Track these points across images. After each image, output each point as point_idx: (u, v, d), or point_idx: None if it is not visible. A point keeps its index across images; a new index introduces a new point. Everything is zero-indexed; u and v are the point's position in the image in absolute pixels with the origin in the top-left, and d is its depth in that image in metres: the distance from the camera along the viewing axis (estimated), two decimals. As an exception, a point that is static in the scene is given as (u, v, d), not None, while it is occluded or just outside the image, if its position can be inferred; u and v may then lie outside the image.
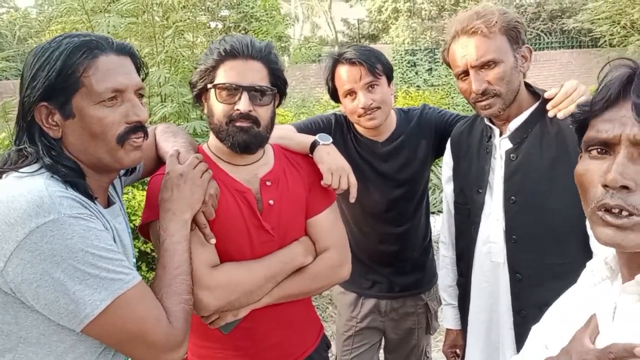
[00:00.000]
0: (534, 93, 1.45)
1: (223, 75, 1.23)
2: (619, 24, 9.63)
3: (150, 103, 3.17)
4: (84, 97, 0.98)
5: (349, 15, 18.13)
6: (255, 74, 1.24)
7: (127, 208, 1.39)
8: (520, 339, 1.40)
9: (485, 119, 1.50)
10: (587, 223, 0.76)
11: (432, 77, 11.49)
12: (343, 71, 1.69)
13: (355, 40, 16.97)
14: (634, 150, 0.68)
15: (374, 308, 1.91)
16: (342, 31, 18.12)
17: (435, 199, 4.99)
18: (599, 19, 9.91)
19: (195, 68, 1.30)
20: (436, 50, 11.95)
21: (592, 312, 0.79)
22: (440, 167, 5.10)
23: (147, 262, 2.76)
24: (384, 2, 15.80)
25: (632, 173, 0.68)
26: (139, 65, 1.08)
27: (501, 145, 1.45)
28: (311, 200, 1.38)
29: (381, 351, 2.06)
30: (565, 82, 1.41)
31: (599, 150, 0.72)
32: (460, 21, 1.38)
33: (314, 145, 1.42)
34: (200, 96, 1.30)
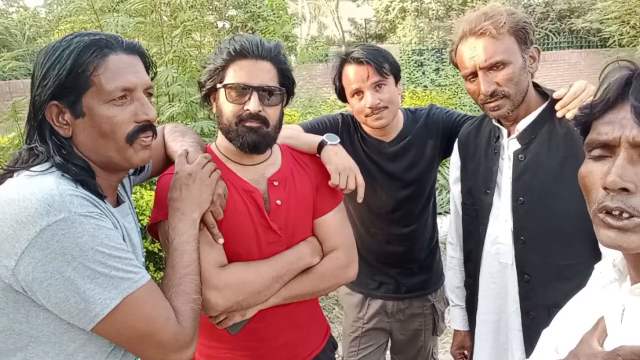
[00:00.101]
0: (543, 93, 1.44)
1: (233, 75, 1.24)
2: (628, 23, 9.55)
3: (158, 103, 3.19)
4: (94, 96, 0.98)
5: (356, 14, 18.12)
6: (265, 74, 1.24)
7: (135, 207, 1.40)
8: (528, 340, 1.40)
9: (494, 120, 1.49)
10: None
11: (440, 77, 11.45)
12: (350, 71, 1.68)
13: (362, 40, 16.96)
14: (634, 152, 0.68)
15: (381, 309, 1.91)
16: (349, 31, 18.11)
17: (442, 199, 4.98)
18: (608, 18, 9.84)
19: (204, 67, 1.30)
20: (443, 50, 11.90)
21: (600, 314, 0.79)
22: (447, 167, 5.07)
23: (155, 261, 2.77)
24: (391, 1, 15.77)
25: (632, 175, 0.68)
26: (148, 65, 1.09)
27: (509, 145, 1.45)
28: (318, 200, 1.38)
29: (388, 352, 2.06)
30: (573, 82, 1.40)
31: (600, 152, 0.72)
32: (468, 22, 1.37)
33: (321, 145, 1.42)
34: (208, 96, 1.31)
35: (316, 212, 1.38)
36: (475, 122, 1.63)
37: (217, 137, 1.38)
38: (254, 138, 1.24)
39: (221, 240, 1.19)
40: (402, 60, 11.56)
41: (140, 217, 2.48)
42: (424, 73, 11.74)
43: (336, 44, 16.88)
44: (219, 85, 1.26)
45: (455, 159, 1.67)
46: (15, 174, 0.97)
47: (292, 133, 1.50)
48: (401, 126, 1.81)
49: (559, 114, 1.36)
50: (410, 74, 11.57)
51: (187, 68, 3.56)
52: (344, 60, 1.71)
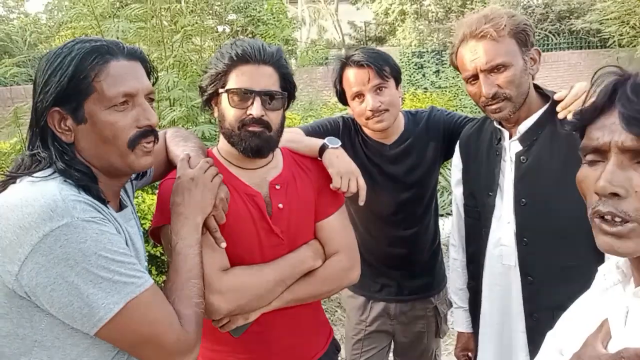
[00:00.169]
0: (544, 95, 1.45)
1: (235, 80, 1.24)
2: (628, 24, 9.56)
3: (159, 107, 3.19)
4: (96, 102, 0.98)
5: (356, 17, 18.15)
6: (267, 79, 1.24)
7: (137, 212, 1.40)
8: (532, 342, 1.39)
9: (495, 122, 1.49)
10: None
11: (440, 79, 11.46)
12: (351, 74, 1.69)
13: (362, 42, 17.00)
14: (624, 157, 0.68)
15: (383, 311, 1.91)
16: (348, 34, 18.15)
17: (443, 201, 4.98)
18: (607, 19, 9.85)
19: (205, 72, 1.31)
20: (443, 52, 11.92)
21: (604, 316, 0.79)
22: (449, 169, 5.06)
23: (157, 265, 2.77)
24: (390, 4, 15.81)
25: (622, 180, 0.68)
26: (150, 70, 1.09)
27: (511, 147, 1.45)
28: (320, 203, 1.38)
29: (390, 355, 2.05)
30: (574, 83, 1.40)
31: (593, 157, 0.73)
32: (469, 25, 1.37)
33: (323, 149, 1.42)
34: (210, 100, 1.31)
35: (318, 215, 1.38)
36: (477, 124, 1.63)
37: (218, 141, 1.39)
38: (257, 142, 1.24)
39: (224, 244, 1.19)
40: (402, 62, 11.58)
41: (142, 221, 2.48)
42: (424, 75, 11.76)
43: (336, 47, 16.92)
44: (221, 90, 1.26)
45: (457, 161, 1.67)
46: (17, 180, 0.97)
47: (293, 137, 1.51)
48: (402, 129, 1.81)
49: (560, 116, 1.36)
50: (410, 76, 11.59)
51: (188, 72, 3.56)
52: (345, 63, 1.71)
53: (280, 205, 1.31)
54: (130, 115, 1.01)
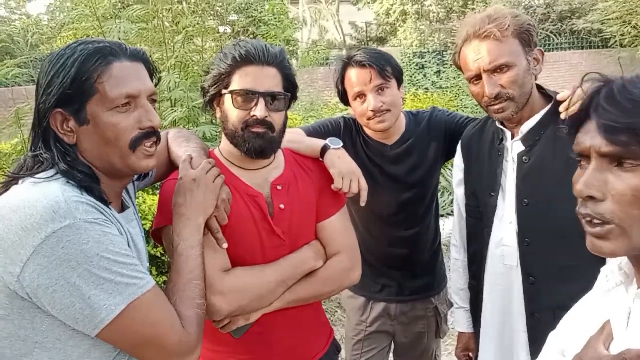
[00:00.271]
0: (546, 95, 1.45)
1: (239, 81, 1.24)
2: (629, 24, 9.55)
3: (161, 108, 3.20)
4: (98, 104, 0.99)
5: (357, 18, 18.15)
6: (271, 80, 1.24)
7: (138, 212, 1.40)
8: (534, 342, 1.39)
9: (497, 122, 1.49)
10: None
11: (441, 79, 11.45)
12: (353, 74, 1.69)
13: (363, 43, 17.01)
14: (603, 161, 0.71)
15: (384, 312, 1.91)
16: (350, 34, 18.16)
17: (444, 201, 4.98)
18: (609, 19, 9.84)
19: (207, 73, 1.31)
20: (445, 53, 11.92)
21: (606, 318, 0.79)
22: (450, 169, 5.05)
23: (157, 265, 2.78)
24: (392, 5, 15.82)
25: (599, 183, 0.71)
26: (152, 71, 1.09)
27: (513, 148, 1.45)
28: (322, 204, 1.38)
29: (391, 355, 2.05)
30: (576, 83, 1.40)
31: (582, 161, 0.76)
32: (472, 25, 1.37)
33: (324, 150, 1.42)
34: (212, 101, 1.31)
35: (320, 215, 1.38)
36: (479, 125, 1.63)
37: (220, 142, 1.39)
38: (260, 143, 1.24)
39: (225, 245, 1.19)
40: (404, 63, 11.58)
41: (143, 222, 2.47)
42: (425, 76, 11.75)
43: (337, 47, 16.93)
44: (224, 91, 1.26)
45: (458, 161, 1.67)
46: (20, 181, 0.98)
47: (294, 137, 1.51)
48: (403, 129, 1.81)
49: (562, 116, 1.36)
50: (411, 76, 11.58)
51: (190, 73, 3.57)
52: (347, 63, 1.71)
53: (282, 206, 1.31)
54: (133, 117, 1.01)
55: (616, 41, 10.01)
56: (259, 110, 1.22)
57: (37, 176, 0.96)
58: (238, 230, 1.25)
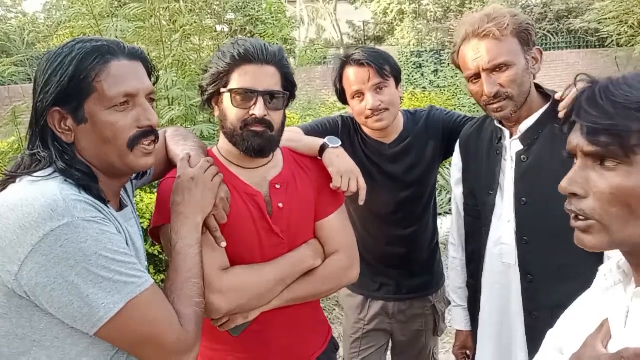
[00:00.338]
0: (545, 94, 1.45)
1: (238, 80, 1.24)
2: (626, 23, 9.58)
3: (158, 106, 3.19)
4: (96, 102, 0.98)
5: (354, 17, 18.15)
6: (270, 79, 1.24)
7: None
8: (532, 340, 1.40)
9: (495, 121, 1.50)
10: None
11: (438, 78, 11.46)
12: (351, 72, 1.69)
13: (360, 42, 17.01)
14: (587, 160, 0.74)
15: (381, 310, 1.91)
16: (347, 33, 18.15)
17: (442, 200, 4.99)
18: (606, 18, 9.86)
19: (205, 71, 1.30)
20: (442, 52, 11.94)
21: (604, 316, 0.79)
22: (447, 168, 5.05)
23: (155, 264, 2.77)
24: (389, 4, 15.82)
25: (582, 181, 0.74)
26: (150, 70, 1.09)
27: (512, 146, 1.45)
28: (320, 202, 1.38)
29: (388, 353, 2.06)
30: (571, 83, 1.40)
31: (573, 159, 0.78)
32: (471, 24, 1.37)
33: (323, 148, 1.42)
34: (210, 99, 1.31)
35: (318, 214, 1.38)
36: (477, 124, 1.64)
37: (218, 140, 1.38)
38: (259, 142, 1.24)
39: (224, 244, 1.18)
40: (401, 62, 11.59)
41: (141, 220, 2.46)
42: (422, 75, 11.76)
43: (334, 46, 16.93)
44: (223, 90, 1.26)
45: (456, 160, 1.67)
46: (17, 180, 0.97)
47: (293, 136, 1.50)
48: (401, 128, 1.81)
49: (561, 115, 1.36)
50: (409, 75, 11.60)
51: (187, 72, 3.56)
52: (345, 62, 1.71)
53: (281, 205, 1.31)
54: (131, 116, 1.01)
55: (613, 40, 10.03)
56: (258, 109, 1.22)
57: (34, 174, 0.96)
58: (236, 229, 1.25)
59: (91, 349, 0.96)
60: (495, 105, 1.39)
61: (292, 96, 1.33)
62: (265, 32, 10.22)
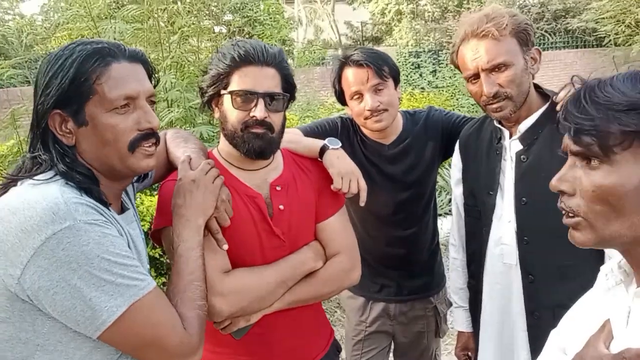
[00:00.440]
0: (544, 94, 1.45)
1: (238, 82, 1.23)
2: (623, 23, 9.59)
3: (157, 108, 3.19)
4: (97, 105, 0.98)
5: (352, 18, 18.17)
6: (270, 80, 1.24)
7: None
8: (533, 340, 1.40)
9: (495, 121, 1.50)
10: None
11: (437, 78, 11.48)
12: (350, 73, 1.69)
13: (358, 42, 17.03)
14: (576, 159, 0.77)
15: (383, 312, 1.91)
16: (345, 34, 18.17)
17: (442, 201, 4.99)
18: (603, 18, 9.88)
19: (204, 73, 1.30)
20: (440, 52, 11.95)
21: (606, 316, 0.79)
22: (447, 169, 5.05)
23: (156, 267, 2.77)
24: (386, 4, 15.84)
25: (571, 179, 0.77)
26: (151, 72, 1.09)
27: (511, 146, 1.45)
28: (321, 204, 1.38)
29: (391, 355, 2.06)
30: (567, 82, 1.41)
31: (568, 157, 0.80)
32: (470, 24, 1.38)
33: (323, 150, 1.42)
34: (210, 101, 1.31)
35: (319, 216, 1.38)
36: (476, 124, 1.64)
37: (218, 142, 1.38)
38: (259, 144, 1.24)
39: (225, 246, 1.18)
40: (399, 62, 11.60)
41: (141, 223, 2.47)
42: (421, 75, 11.77)
43: (333, 47, 16.94)
44: (223, 92, 1.26)
45: (456, 160, 1.67)
46: (19, 183, 0.97)
47: (292, 137, 1.50)
48: (400, 129, 1.81)
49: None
50: (407, 76, 11.60)
51: (185, 73, 3.56)
52: (344, 63, 1.71)
53: (281, 207, 1.31)
54: (132, 118, 1.01)
55: (610, 40, 10.05)
56: (259, 111, 1.22)
57: (35, 177, 0.96)
58: (237, 231, 1.24)
59: (94, 352, 0.96)
60: (494, 105, 1.39)
61: (292, 98, 1.33)
62: (263, 33, 10.23)
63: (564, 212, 0.79)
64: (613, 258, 0.85)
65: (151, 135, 1.05)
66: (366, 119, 1.69)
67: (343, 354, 1.96)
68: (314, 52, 12.37)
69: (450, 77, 10.92)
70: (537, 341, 1.37)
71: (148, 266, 1.18)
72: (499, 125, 1.49)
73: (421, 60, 11.97)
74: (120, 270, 0.91)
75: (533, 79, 1.44)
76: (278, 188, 1.32)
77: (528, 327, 1.42)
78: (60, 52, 0.99)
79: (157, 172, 1.30)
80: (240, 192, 1.29)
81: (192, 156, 1.24)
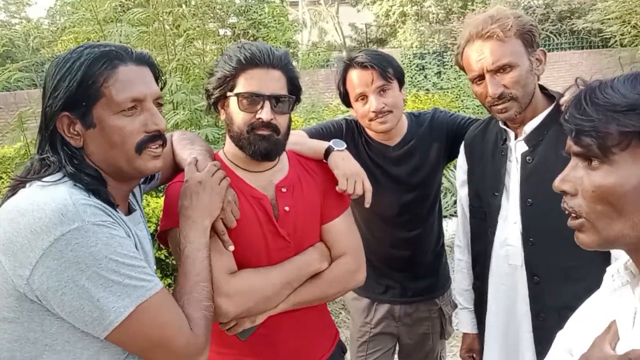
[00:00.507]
0: (549, 95, 1.45)
1: (244, 84, 1.24)
2: (629, 23, 9.55)
3: (163, 111, 3.21)
4: (104, 107, 0.99)
5: (357, 20, 18.17)
6: (276, 82, 1.25)
7: (143, 215, 1.41)
8: (539, 341, 1.40)
9: (500, 122, 1.50)
10: None
11: (441, 80, 11.45)
12: (355, 75, 1.69)
13: (363, 44, 17.02)
14: (578, 160, 0.77)
15: (388, 313, 1.91)
16: (349, 36, 18.17)
17: (446, 202, 4.98)
18: (608, 19, 9.84)
19: (210, 75, 1.31)
20: (445, 54, 11.92)
21: (612, 317, 0.79)
22: (452, 170, 5.02)
23: (162, 268, 2.78)
24: (391, 6, 15.83)
25: (574, 180, 0.77)
26: (158, 74, 1.10)
27: (516, 148, 1.45)
28: (326, 206, 1.39)
29: (396, 356, 2.05)
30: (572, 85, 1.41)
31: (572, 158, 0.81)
32: (475, 25, 1.38)
33: (328, 151, 1.43)
34: (216, 103, 1.31)
35: (324, 217, 1.38)
36: (482, 125, 1.64)
37: (223, 144, 1.39)
38: (265, 146, 1.25)
39: (231, 248, 1.19)
40: (404, 64, 11.58)
41: (147, 225, 2.49)
42: (425, 77, 11.75)
43: (337, 49, 16.94)
44: (229, 94, 1.26)
45: (461, 162, 1.67)
46: (27, 184, 0.98)
47: (297, 139, 1.51)
48: (405, 130, 1.81)
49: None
50: (412, 77, 11.58)
51: (191, 76, 3.58)
52: (348, 65, 1.72)
53: (287, 208, 1.31)
54: (139, 120, 1.02)
55: (616, 41, 10.00)
56: (265, 113, 1.22)
57: (44, 179, 0.96)
58: (243, 232, 1.25)
59: (101, 353, 0.96)
60: (499, 106, 1.39)
61: (297, 100, 1.33)
62: (267, 35, 10.25)
63: (567, 213, 0.79)
64: (619, 259, 0.85)
65: (158, 137, 1.05)
66: (371, 120, 1.69)
67: (348, 355, 1.97)
68: (319, 55, 12.37)
69: (455, 79, 10.89)
70: (542, 343, 1.37)
71: (155, 267, 1.18)
72: (504, 127, 1.49)
73: (426, 62, 11.95)
74: (127, 271, 0.92)
75: (538, 80, 1.44)
76: (283, 189, 1.33)
77: (533, 329, 1.41)
78: (68, 55, 1.00)
79: (163, 174, 1.31)
80: (245, 193, 1.29)
81: (199, 158, 1.24)
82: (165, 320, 0.96)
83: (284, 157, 1.40)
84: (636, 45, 9.72)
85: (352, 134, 1.83)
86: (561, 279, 1.36)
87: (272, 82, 1.24)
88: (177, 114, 3.16)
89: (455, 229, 1.79)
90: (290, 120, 1.31)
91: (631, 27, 9.53)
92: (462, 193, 1.67)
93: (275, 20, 10.86)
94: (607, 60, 10.57)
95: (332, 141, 1.45)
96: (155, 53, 3.47)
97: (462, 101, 9.68)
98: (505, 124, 1.49)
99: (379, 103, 1.66)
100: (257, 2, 11.16)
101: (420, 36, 13.77)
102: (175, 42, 3.58)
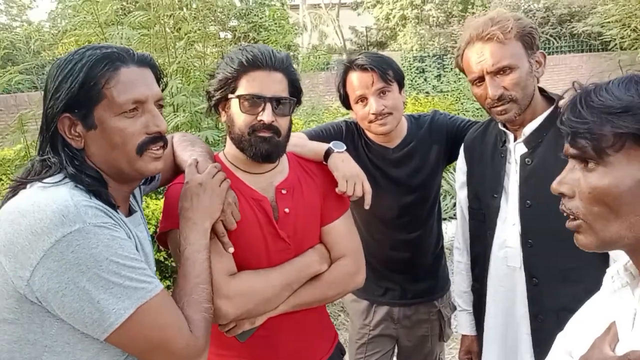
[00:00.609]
0: (548, 98, 1.46)
1: (246, 86, 1.25)
2: (629, 27, 9.57)
3: (163, 113, 3.22)
4: (106, 109, 0.99)
5: (357, 23, 18.21)
6: (277, 85, 1.25)
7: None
8: (537, 343, 1.40)
9: (500, 124, 1.50)
10: None
11: (441, 83, 11.47)
12: (355, 77, 1.70)
13: (363, 47, 17.04)
14: (575, 162, 0.79)
15: (387, 315, 1.91)
16: (350, 39, 18.20)
17: (446, 205, 4.98)
18: (608, 22, 9.86)
19: (212, 77, 1.31)
20: (445, 57, 11.94)
21: (612, 319, 0.79)
22: (451, 173, 5.03)
23: (161, 270, 2.78)
24: (391, 9, 15.86)
25: (571, 182, 0.78)
26: (159, 76, 1.10)
27: (516, 149, 1.46)
28: (326, 207, 1.39)
29: (394, 358, 2.05)
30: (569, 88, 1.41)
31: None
32: (475, 27, 1.39)
33: (328, 153, 1.43)
34: (217, 105, 1.32)
35: (324, 219, 1.38)
36: (481, 127, 1.64)
37: (224, 146, 1.39)
38: (266, 148, 1.25)
39: (231, 249, 1.19)
40: (404, 67, 11.59)
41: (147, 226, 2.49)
42: (425, 79, 11.76)
43: (337, 52, 16.97)
44: (231, 96, 1.27)
45: (461, 163, 1.67)
46: (28, 185, 0.98)
47: (297, 141, 1.51)
48: (405, 132, 1.82)
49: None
50: (412, 80, 11.59)
51: (191, 78, 3.59)
52: (349, 67, 1.72)
53: (287, 210, 1.31)
54: (140, 122, 1.02)
55: (616, 44, 10.01)
56: (266, 115, 1.23)
57: (45, 180, 0.97)
58: (243, 234, 1.25)
59: (101, 354, 0.97)
60: (499, 108, 1.40)
61: (298, 102, 1.34)
62: (268, 38, 10.27)
63: (565, 214, 0.80)
64: (618, 261, 0.85)
65: (159, 138, 1.06)
66: (371, 122, 1.70)
67: (347, 358, 1.96)
68: (319, 57, 12.40)
69: (455, 82, 10.91)
70: (541, 344, 1.37)
71: (155, 268, 1.19)
72: (504, 129, 1.50)
73: (426, 65, 11.97)
74: (128, 272, 0.92)
75: (538, 82, 1.45)
76: (284, 191, 1.33)
77: (532, 331, 1.41)
78: (70, 57, 1.00)
79: (163, 175, 1.31)
80: (246, 195, 1.30)
81: (199, 160, 1.25)
82: (165, 322, 0.96)
83: (284, 159, 1.40)
84: (636, 49, 9.73)
85: (352, 136, 1.83)
86: (560, 280, 1.36)
87: (274, 84, 1.25)
88: (178, 116, 3.17)
89: (454, 232, 1.79)
90: (291, 123, 1.32)
91: (631, 30, 9.55)
92: (462, 195, 1.68)
93: (275, 24, 10.88)
94: (607, 64, 10.58)
95: (332, 143, 1.46)
96: (156, 56, 3.48)
97: (462, 104, 9.69)
98: (504, 125, 1.49)
99: (379, 105, 1.66)
100: (257, 5, 11.19)
101: (420, 39, 13.78)
102: (176, 45, 3.59)
